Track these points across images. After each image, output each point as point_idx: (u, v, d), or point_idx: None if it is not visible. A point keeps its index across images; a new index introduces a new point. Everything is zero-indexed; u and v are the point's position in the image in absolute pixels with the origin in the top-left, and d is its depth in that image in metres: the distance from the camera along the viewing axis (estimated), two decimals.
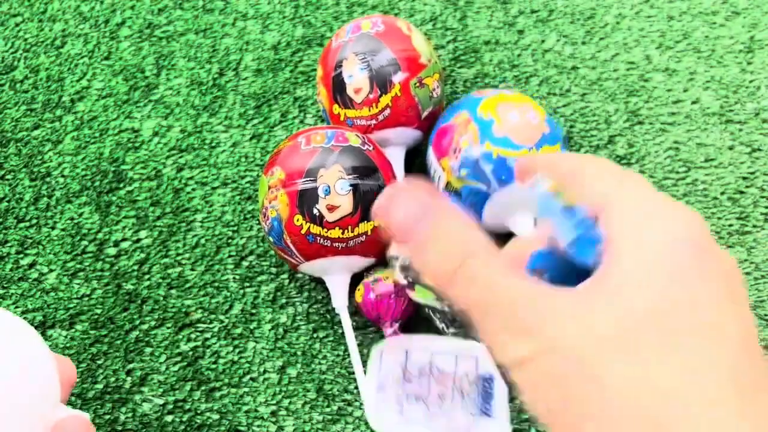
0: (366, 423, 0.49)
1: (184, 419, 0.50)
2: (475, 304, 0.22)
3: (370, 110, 0.54)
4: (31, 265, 0.57)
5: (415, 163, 0.59)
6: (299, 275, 0.55)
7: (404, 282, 0.48)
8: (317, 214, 0.48)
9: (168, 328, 0.54)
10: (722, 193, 0.58)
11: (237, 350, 0.53)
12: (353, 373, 0.51)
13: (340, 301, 0.51)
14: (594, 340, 0.20)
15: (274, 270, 0.56)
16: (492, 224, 0.52)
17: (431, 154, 0.54)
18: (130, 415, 0.50)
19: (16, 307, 0.55)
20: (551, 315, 0.21)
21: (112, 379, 0.52)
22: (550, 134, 0.50)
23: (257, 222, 0.58)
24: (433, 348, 0.44)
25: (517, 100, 0.52)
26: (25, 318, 0.54)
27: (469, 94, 0.54)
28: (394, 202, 0.24)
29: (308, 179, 0.48)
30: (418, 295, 0.49)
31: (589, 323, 0.21)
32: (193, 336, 0.53)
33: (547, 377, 0.21)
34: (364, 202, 0.48)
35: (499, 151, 0.49)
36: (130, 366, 0.52)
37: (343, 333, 0.53)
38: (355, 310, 0.53)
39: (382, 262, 0.53)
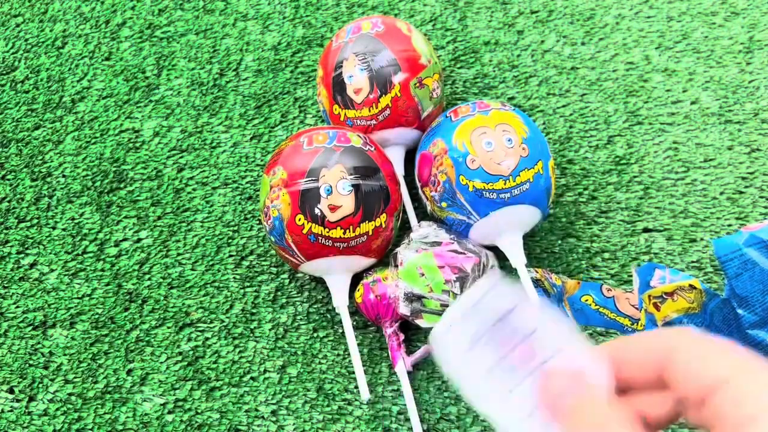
0: (366, 422, 0.50)
1: (185, 419, 0.50)
2: None
3: (370, 111, 0.54)
4: (32, 265, 0.57)
5: (415, 163, 0.59)
6: (299, 275, 0.55)
7: (408, 313, 0.49)
8: (319, 213, 0.48)
9: (168, 327, 0.54)
10: (721, 193, 0.58)
11: (237, 350, 0.53)
12: (353, 372, 0.51)
13: (340, 301, 0.51)
14: None
15: (274, 270, 0.56)
16: (480, 242, 0.52)
17: (416, 178, 0.54)
18: (130, 414, 0.50)
19: (17, 307, 0.55)
20: None
21: (113, 379, 0.52)
22: (528, 156, 0.50)
23: (258, 222, 0.58)
24: (540, 326, 0.41)
25: (493, 121, 0.50)
26: (25, 317, 0.54)
27: (445, 116, 0.53)
28: (551, 377, 0.28)
29: (310, 179, 0.48)
30: (428, 321, 0.49)
31: None
32: (193, 336, 0.53)
33: None
34: (365, 202, 0.48)
35: (474, 184, 0.49)
36: (131, 365, 0.52)
37: (343, 333, 0.53)
38: (355, 310, 0.53)
39: (383, 262, 0.53)
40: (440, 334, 0.34)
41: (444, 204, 0.51)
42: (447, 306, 0.49)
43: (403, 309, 0.49)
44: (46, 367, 0.53)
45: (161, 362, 0.52)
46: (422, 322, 0.49)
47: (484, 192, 0.49)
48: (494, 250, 0.53)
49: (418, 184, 0.54)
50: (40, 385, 0.52)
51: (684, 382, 0.25)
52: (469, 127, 0.50)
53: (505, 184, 0.49)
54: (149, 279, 0.56)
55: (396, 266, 0.50)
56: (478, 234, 0.51)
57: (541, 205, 0.51)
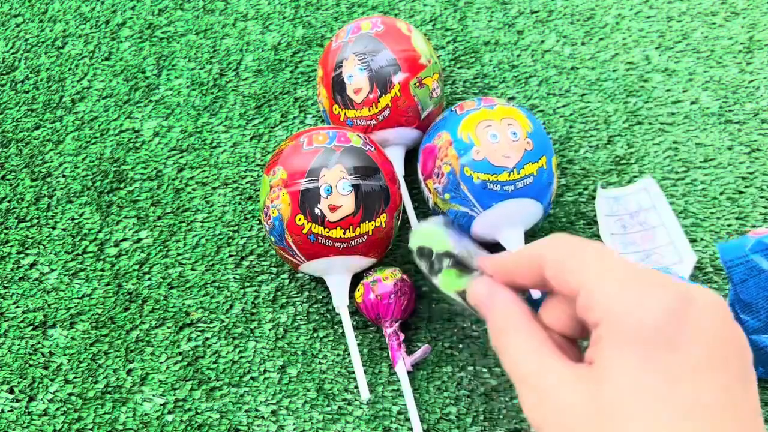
0: (366, 422, 0.50)
1: (185, 419, 0.50)
2: (507, 370, 0.29)
3: (369, 110, 0.54)
4: (32, 265, 0.57)
5: (415, 163, 0.59)
6: (299, 275, 0.55)
7: (426, 269, 0.45)
8: (319, 213, 0.48)
9: (168, 327, 0.54)
10: (721, 193, 0.58)
11: (237, 350, 0.53)
12: (353, 372, 0.51)
13: (340, 301, 0.51)
14: (578, 419, 0.25)
15: (274, 270, 0.56)
16: (481, 237, 0.52)
17: (419, 172, 0.54)
18: (130, 414, 0.50)
19: (17, 307, 0.55)
20: (545, 397, 0.27)
21: (113, 379, 0.52)
22: (533, 150, 0.50)
23: (258, 222, 0.58)
24: (664, 225, 0.55)
25: (499, 115, 0.51)
26: (25, 317, 0.54)
27: (451, 110, 0.53)
28: (471, 290, 0.33)
29: (310, 179, 0.48)
30: (443, 284, 0.45)
31: (575, 406, 0.26)
32: (193, 336, 0.53)
33: None
34: (365, 202, 0.48)
35: (478, 175, 0.49)
36: (131, 365, 0.52)
37: (343, 333, 0.53)
38: (355, 310, 0.53)
39: (383, 262, 0.53)
40: (600, 193, 0.57)
41: (447, 196, 0.51)
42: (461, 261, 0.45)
43: (422, 266, 0.44)
44: (46, 367, 0.53)
45: (161, 362, 0.52)
46: (436, 280, 0.45)
47: (488, 183, 0.49)
48: (496, 247, 0.52)
49: (421, 178, 0.54)
50: (40, 385, 0.52)
51: (557, 287, 0.29)
52: (474, 120, 0.50)
53: (509, 176, 0.49)
54: (149, 279, 0.56)
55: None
56: (480, 227, 0.51)
57: (543, 201, 0.51)
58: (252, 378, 0.52)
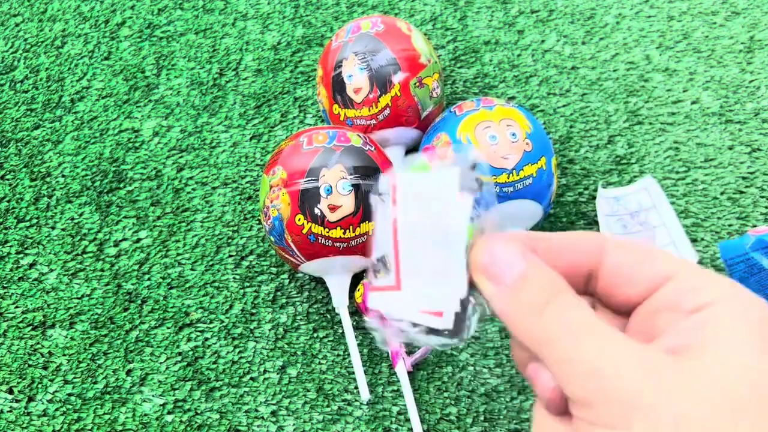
0: (366, 423, 0.49)
1: (184, 419, 0.50)
2: (552, 340, 0.23)
3: (369, 110, 0.54)
4: (32, 265, 0.57)
5: None
6: (299, 275, 0.55)
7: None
8: (319, 213, 0.48)
9: (168, 328, 0.54)
10: (722, 193, 0.58)
11: (237, 350, 0.53)
12: (353, 372, 0.51)
13: (340, 301, 0.51)
14: (680, 418, 0.20)
15: (274, 270, 0.56)
16: None
17: None
18: (130, 415, 0.50)
19: (16, 307, 0.55)
20: (635, 381, 0.21)
21: (112, 379, 0.52)
22: (532, 151, 0.50)
23: (257, 222, 0.58)
24: (664, 225, 0.56)
25: (498, 116, 0.51)
26: (24, 318, 0.54)
27: (450, 111, 0.53)
28: (489, 246, 0.25)
29: (310, 179, 0.48)
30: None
31: (680, 400, 0.21)
32: (193, 336, 0.53)
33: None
34: (365, 202, 0.48)
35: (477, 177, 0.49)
36: (130, 366, 0.52)
37: (343, 333, 0.53)
38: (355, 310, 0.53)
39: None
40: (601, 193, 0.56)
41: None
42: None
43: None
44: (45, 368, 0.52)
45: (161, 362, 0.52)
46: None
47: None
48: None
49: None
50: (40, 386, 0.52)
51: (622, 282, 0.25)
52: (473, 122, 0.50)
53: (508, 177, 0.49)
54: (149, 279, 0.56)
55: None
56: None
57: (543, 202, 0.51)
58: (252, 378, 0.51)
